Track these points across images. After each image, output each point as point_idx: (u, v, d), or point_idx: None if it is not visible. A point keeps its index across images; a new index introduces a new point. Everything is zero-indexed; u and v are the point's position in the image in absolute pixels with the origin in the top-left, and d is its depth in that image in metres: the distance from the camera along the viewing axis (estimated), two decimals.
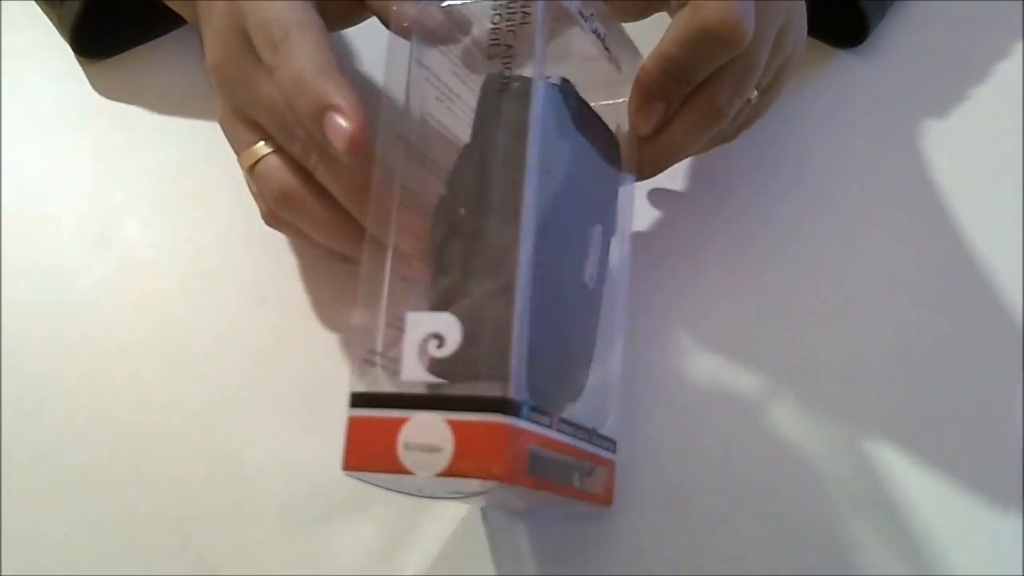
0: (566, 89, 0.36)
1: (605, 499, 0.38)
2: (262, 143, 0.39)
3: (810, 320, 0.44)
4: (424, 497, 0.36)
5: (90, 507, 0.40)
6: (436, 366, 0.31)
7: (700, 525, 0.39)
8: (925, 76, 0.50)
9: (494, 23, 0.34)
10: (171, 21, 0.49)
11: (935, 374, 0.43)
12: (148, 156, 0.48)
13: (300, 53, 0.36)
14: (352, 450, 0.31)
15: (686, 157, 0.43)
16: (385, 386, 0.31)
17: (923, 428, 0.42)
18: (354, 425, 0.31)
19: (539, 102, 0.33)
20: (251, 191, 0.42)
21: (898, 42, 0.51)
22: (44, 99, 0.50)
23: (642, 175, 0.42)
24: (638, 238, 0.46)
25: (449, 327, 0.31)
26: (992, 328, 0.44)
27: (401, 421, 0.30)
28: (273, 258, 0.45)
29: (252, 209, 0.46)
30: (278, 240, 0.46)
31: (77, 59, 0.50)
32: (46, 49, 0.51)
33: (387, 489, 0.33)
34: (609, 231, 0.39)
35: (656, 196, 0.46)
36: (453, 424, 0.29)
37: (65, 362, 0.43)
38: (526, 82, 0.33)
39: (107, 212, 0.47)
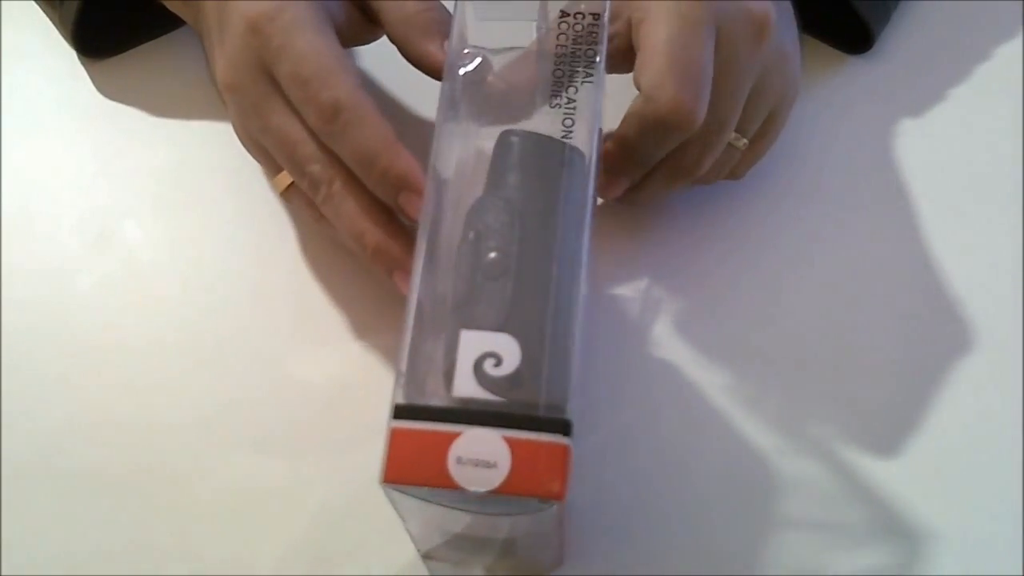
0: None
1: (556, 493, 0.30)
2: (284, 175, 0.41)
3: (811, 322, 0.44)
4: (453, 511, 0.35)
5: (90, 507, 0.40)
6: (492, 385, 0.30)
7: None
8: (931, 79, 0.50)
9: (557, 76, 0.36)
10: (172, 21, 0.49)
11: (936, 373, 0.43)
12: (148, 156, 0.48)
13: (364, 126, 0.37)
14: (394, 462, 0.30)
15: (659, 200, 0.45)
16: (430, 400, 0.31)
17: (923, 428, 0.42)
18: (397, 436, 0.30)
19: (593, 174, 0.34)
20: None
21: (904, 45, 0.51)
22: (44, 99, 0.50)
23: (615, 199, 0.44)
24: (630, 239, 0.46)
25: (508, 347, 0.31)
26: (994, 327, 0.44)
27: (453, 435, 0.29)
28: (274, 258, 0.45)
29: (252, 209, 0.47)
30: (279, 240, 0.46)
31: (79, 59, 0.50)
32: (46, 49, 0.51)
33: (418, 501, 0.32)
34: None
35: None
36: (511, 441, 0.29)
37: (65, 362, 0.43)
38: (578, 153, 0.34)
39: (107, 212, 0.47)
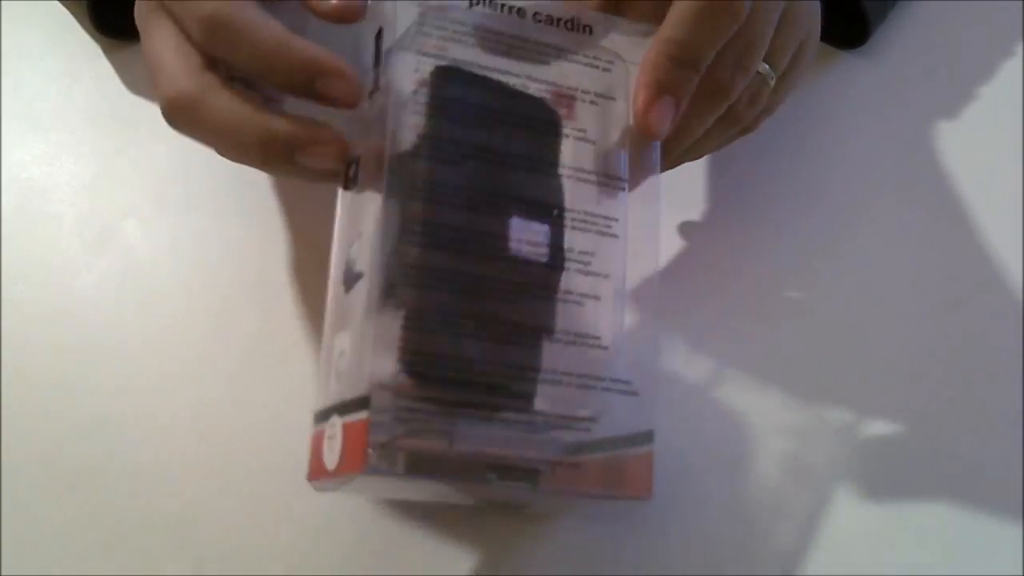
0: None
1: (639, 490, 0.36)
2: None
3: (809, 319, 0.44)
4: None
5: (90, 507, 0.40)
6: (340, 378, 0.33)
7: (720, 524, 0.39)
8: (927, 76, 0.50)
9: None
10: None
11: (934, 373, 0.43)
12: (148, 156, 0.48)
13: (253, 29, 0.35)
14: (311, 461, 0.34)
15: (707, 152, 0.43)
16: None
17: (924, 428, 0.42)
18: (313, 440, 0.34)
19: None
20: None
21: (900, 42, 0.51)
22: (44, 99, 0.50)
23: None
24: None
25: (346, 340, 0.33)
26: (994, 327, 0.44)
27: (321, 432, 0.34)
28: (274, 258, 0.45)
29: (253, 209, 0.47)
30: (279, 239, 0.46)
31: (102, 48, 0.50)
32: (46, 49, 0.51)
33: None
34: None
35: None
36: (343, 426, 0.32)
37: (65, 362, 0.43)
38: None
39: (107, 212, 0.47)
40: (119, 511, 0.40)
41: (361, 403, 0.31)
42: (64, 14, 0.52)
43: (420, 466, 0.32)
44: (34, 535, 0.40)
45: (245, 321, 0.44)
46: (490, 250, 0.34)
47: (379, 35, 0.36)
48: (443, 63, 0.35)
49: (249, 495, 0.40)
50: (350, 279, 0.34)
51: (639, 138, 0.38)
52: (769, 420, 0.42)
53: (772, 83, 0.42)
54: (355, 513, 0.40)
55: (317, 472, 0.33)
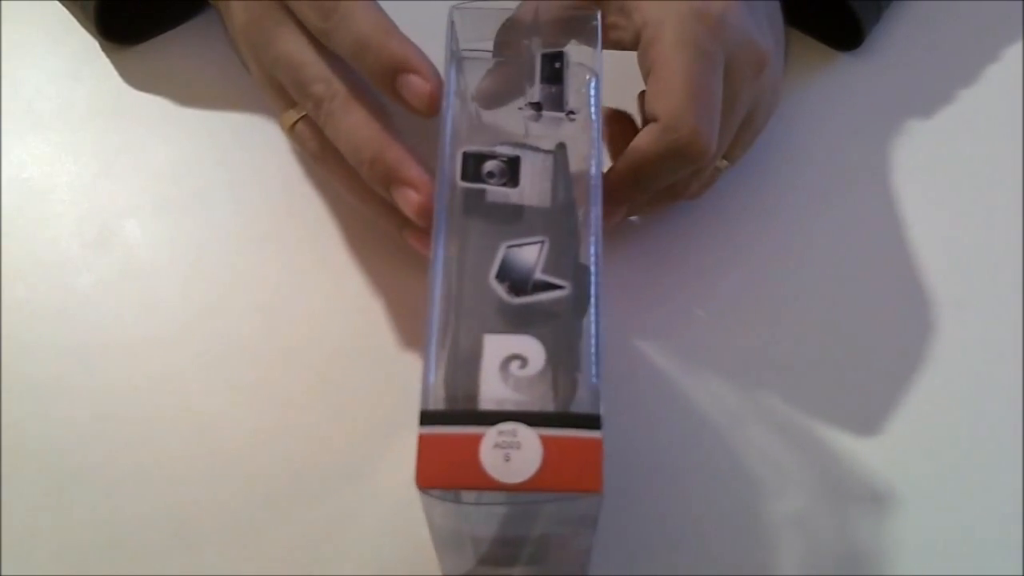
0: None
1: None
2: (293, 110, 0.42)
3: (804, 321, 0.44)
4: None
5: (90, 507, 0.40)
6: (518, 385, 0.31)
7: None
8: (922, 78, 0.50)
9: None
10: (192, 5, 0.50)
11: (932, 374, 0.43)
12: (148, 156, 0.48)
13: (357, 16, 0.38)
14: (426, 466, 0.30)
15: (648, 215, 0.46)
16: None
17: (923, 428, 0.42)
18: (426, 442, 0.30)
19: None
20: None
21: (896, 44, 0.51)
22: (44, 99, 0.50)
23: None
24: (629, 234, 0.46)
25: (532, 348, 0.31)
26: (991, 329, 0.44)
27: (481, 436, 0.30)
28: (274, 258, 0.45)
29: (252, 209, 0.47)
30: (279, 240, 0.46)
31: (103, 47, 0.51)
32: (47, 47, 0.51)
33: (452, 505, 0.31)
34: None
35: None
36: (543, 439, 0.30)
37: (65, 362, 0.43)
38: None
39: (107, 212, 0.47)
40: (119, 511, 0.40)
41: (585, 421, 0.30)
42: (64, 13, 0.52)
43: None
44: (34, 535, 0.40)
45: (245, 321, 0.44)
46: None
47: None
48: None
49: (249, 496, 0.40)
50: (525, 282, 0.32)
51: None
52: (747, 422, 0.42)
53: (723, 170, 0.44)
54: (355, 515, 0.40)
55: (455, 478, 0.30)
